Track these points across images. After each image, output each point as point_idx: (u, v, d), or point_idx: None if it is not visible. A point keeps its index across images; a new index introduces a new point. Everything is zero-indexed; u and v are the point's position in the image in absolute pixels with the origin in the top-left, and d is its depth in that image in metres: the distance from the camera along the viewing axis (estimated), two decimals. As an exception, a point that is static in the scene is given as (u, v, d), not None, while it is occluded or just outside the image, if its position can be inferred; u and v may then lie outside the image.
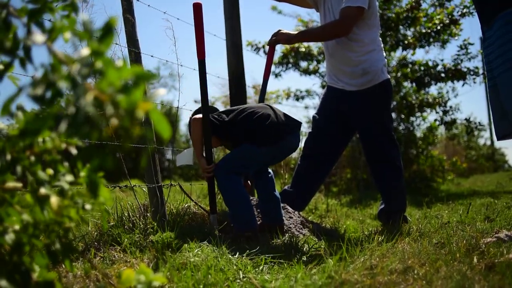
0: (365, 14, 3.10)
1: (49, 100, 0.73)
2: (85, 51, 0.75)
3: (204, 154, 2.61)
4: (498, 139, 2.54)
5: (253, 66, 40.60)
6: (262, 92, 3.27)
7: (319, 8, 3.37)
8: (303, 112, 16.36)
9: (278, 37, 3.15)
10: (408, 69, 7.30)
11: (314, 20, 8.11)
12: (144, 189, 2.59)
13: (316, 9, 3.46)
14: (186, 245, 2.05)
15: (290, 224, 2.80)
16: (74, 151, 0.90)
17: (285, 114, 2.68)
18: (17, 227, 0.95)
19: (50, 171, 0.97)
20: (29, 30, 0.80)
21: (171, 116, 13.69)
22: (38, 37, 0.79)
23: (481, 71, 7.17)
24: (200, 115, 2.58)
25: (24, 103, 0.91)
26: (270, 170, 2.80)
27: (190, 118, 2.72)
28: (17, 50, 0.82)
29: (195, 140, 2.61)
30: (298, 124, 2.70)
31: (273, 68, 7.86)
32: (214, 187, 2.65)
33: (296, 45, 7.62)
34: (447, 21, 6.86)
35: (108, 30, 0.75)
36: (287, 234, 2.59)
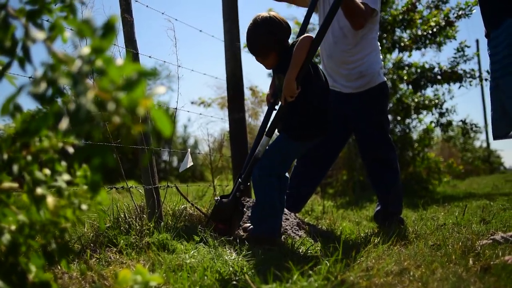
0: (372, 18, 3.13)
1: (50, 98, 0.72)
2: (86, 49, 0.75)
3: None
4: (495, 138, 2.51)
5: (250, 68, 40.59)
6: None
7: (318, 9, 3.37)
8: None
9: None
10: (405, 71, 7.32)
11: (311, 23, 8.11)
12: (141, 191, 2.58)
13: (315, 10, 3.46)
14: (182, 246, 2.05)
15: (287, 225, 2.80)
16: (71, 150, 0.89)
17: None
18: (13, 227, 0.95)
19: (47, 171, 0.97)
20: (27, 31, 0.79)
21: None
22: (38, 34, 0.79)
23: (477, 74, 7.19)
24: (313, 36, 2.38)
25: (21, 104, 0.90)
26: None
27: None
28: (16, 50, 0.81)
29: (298, 59, 2.32)
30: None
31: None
32: (287, 110, 2.44)
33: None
34: (443, 23, 6.88)
35: (109, 27, 0.75)
36: (283, 236, 2.58)
